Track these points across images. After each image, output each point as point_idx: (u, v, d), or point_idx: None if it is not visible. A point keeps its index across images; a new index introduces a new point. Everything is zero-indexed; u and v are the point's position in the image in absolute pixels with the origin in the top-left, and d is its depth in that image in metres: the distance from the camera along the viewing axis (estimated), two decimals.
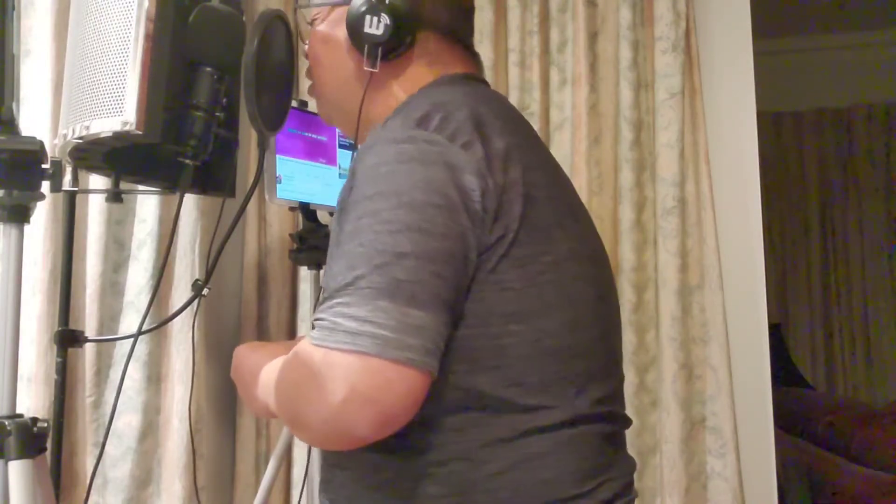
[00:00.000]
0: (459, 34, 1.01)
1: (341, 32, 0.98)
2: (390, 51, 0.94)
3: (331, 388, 0.73)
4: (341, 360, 0.73)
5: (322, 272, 1.86)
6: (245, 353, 1.01)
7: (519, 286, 0.82)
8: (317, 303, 0.82)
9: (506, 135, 0.85)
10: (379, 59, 0.94)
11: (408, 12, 0.94)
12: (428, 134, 0.81)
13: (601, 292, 0.92)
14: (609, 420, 0.90)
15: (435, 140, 0.81)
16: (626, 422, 0.95)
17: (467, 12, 1.04)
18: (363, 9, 0.93)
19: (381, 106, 0.97)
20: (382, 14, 0.92)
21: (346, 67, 0.99)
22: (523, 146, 0.87)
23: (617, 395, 0.94)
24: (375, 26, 0.93)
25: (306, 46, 1.06)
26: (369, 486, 0.86)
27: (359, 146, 0.93)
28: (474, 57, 1.04)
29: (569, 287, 0.86)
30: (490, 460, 0.81)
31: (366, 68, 0.95)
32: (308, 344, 0.77)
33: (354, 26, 0.94)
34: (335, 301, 0.76)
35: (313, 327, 0.78)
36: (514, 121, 0.91)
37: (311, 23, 1.04)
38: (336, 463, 0.89)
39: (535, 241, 0.83)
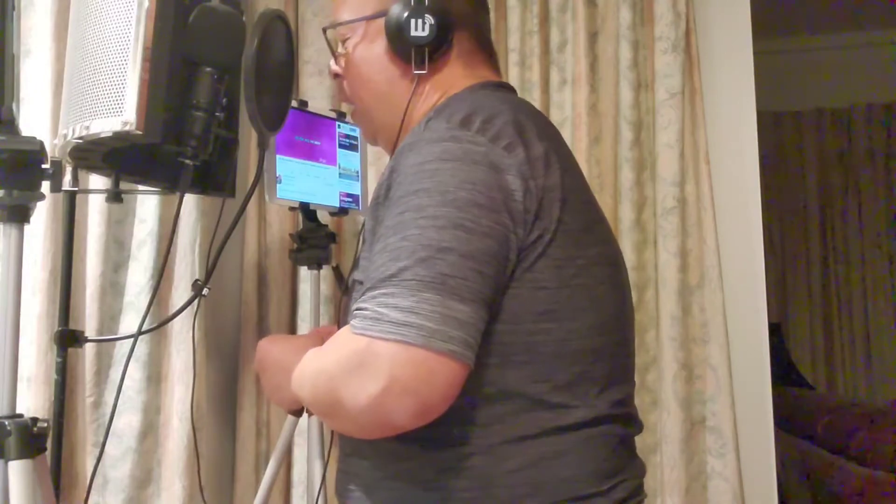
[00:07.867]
0: (483, 29, 1.04)
1: (380, 45, 0.99)
2: (433, 51, 0.96)
3: (373, 376, 0.74)
4: (385, 349, 0.74)
5: (322, 272, 1.86)
6: (268, 346, 1.03)
7: (553, 286, 0.83)
8: (337, 303, 0.82)
9: (543, 140, 0.87)
10: (427, 60, 0.96)
11: (445, 11, 0.96)
12: (471, 135, 0.83)
13: (622, 298, 0.95)
14: (626, 422, 0.92)
15: (479, 141, 0.82)
16: (640, 426, 0.97)
17: (484, 7, 1.07)
18: (405, 14, 0.95)
19: (420, 109, 0.99)
20: (426, 15, 0.94)
21: (389, 79, 1.00)
22: (558, 151, 0.89)
23: (632, 399, 0.96)
24: (421, 28, 0.95)
25: (333, 66, 1.06)
26: (389, 476, 0.87)
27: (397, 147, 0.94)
28: (496, 64, 1.06)
29: (596, 291, 0.88)
30: (511, 457, 0.82)
31: (415, 72, 0.96)
32: (348, 333, 0.78)
33: (399, 32, 0.96)
34: (378, 292, 0.77)
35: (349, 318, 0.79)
36: (546, 127, 0.93)
37: (343, 43, 1.04)
38: (354, 452, 0.90)
39: (569, 243, 0.85)
